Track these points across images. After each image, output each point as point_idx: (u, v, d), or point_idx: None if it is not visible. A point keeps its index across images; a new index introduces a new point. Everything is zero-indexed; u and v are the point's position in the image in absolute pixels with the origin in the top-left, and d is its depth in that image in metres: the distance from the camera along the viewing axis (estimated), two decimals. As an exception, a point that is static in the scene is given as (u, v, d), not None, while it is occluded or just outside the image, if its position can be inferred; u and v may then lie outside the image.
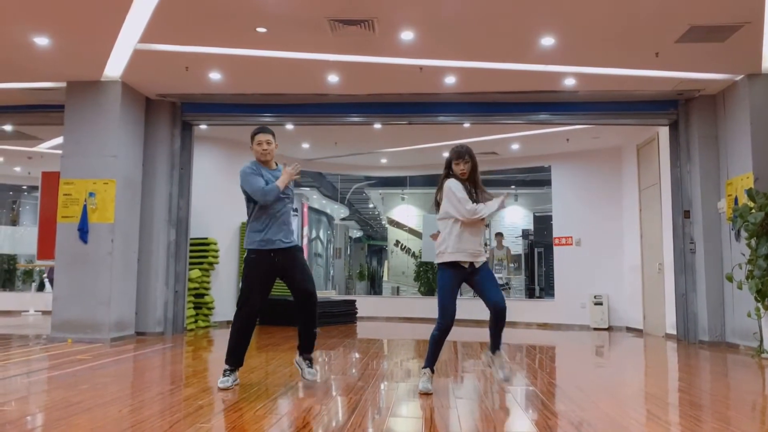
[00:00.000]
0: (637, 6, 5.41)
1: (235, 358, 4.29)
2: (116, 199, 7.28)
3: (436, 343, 4.10)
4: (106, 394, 3.92)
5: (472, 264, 4.07)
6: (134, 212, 7.76)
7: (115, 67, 7.01)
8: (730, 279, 6.70)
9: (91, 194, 7.26)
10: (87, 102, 7.38)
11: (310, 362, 4.39)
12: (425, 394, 3.99)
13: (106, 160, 7.32)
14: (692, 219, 7.73)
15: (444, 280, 4.08)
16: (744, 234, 6.52)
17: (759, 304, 6.25)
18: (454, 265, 4.07)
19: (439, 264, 4.12)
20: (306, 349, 4.41)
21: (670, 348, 7.34)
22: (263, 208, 4.29)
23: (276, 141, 4.46)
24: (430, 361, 4.13)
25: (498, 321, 4.13)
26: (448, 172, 4.23)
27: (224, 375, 4.23)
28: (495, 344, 4.23)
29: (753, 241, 6.35)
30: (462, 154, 4.15)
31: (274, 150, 4.44)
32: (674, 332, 8.00)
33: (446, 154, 12.65)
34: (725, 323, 7.32)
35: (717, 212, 7.47)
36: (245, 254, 4.36)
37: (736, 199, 6.98)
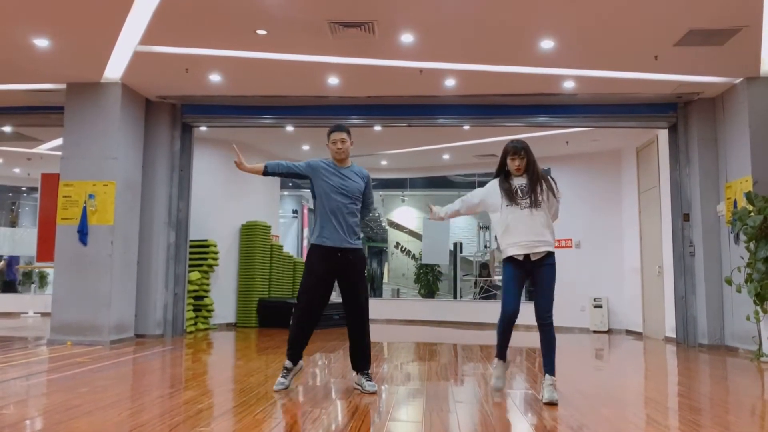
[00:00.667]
0: (636, 9, 5.42)
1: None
2: (116, 201, 7.28)
3: (499, 333, 4.14)
4: (106, 397, 3.92)
5: (528, 257, 3.98)
6: (134, 214, 7.76)
7: (115, 69, 7.01)
8: (729, 282, 6.71)
9: (90, 196, 7.26)
10: (87, 103, 7.39)
11: (369, 376, 4.28)
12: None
13: (105, 162, 7.32)
14: (691, 222, 7.73)
15: (503, 275, 4.12)
16: (743, 237, 6.53)
17: (758, 308, 6.26)
18: (511, 260, 4.06)
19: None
20: (362, 367, 4.29)
21: (670, 351, 7.34)
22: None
23: (351, 139, 4.39)
24: (498, 351, 4.18)
25: (543, 336, 4.01)
26: (501, 168, 4.18)
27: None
28: (546, 365, 4.00)
29: (752, 245, 6.35)
30: (518, 149, 4.08)
31: (349, 149, 4.36)
32: (674, 335, 8.00)
33: (447, 156, 12.53)
34: (724, 326, 7.32)
35: (716, 215, 7.48)
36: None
37: (735, 202, 6.99)
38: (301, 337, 4.33)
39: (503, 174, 4.16)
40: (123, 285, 7.44)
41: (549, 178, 4.16)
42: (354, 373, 4.36)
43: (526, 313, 4.12)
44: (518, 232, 3.98)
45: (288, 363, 4.32)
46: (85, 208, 7.23)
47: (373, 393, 4.16)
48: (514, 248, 3.99)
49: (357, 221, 4.35)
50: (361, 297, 4.28)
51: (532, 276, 4.02)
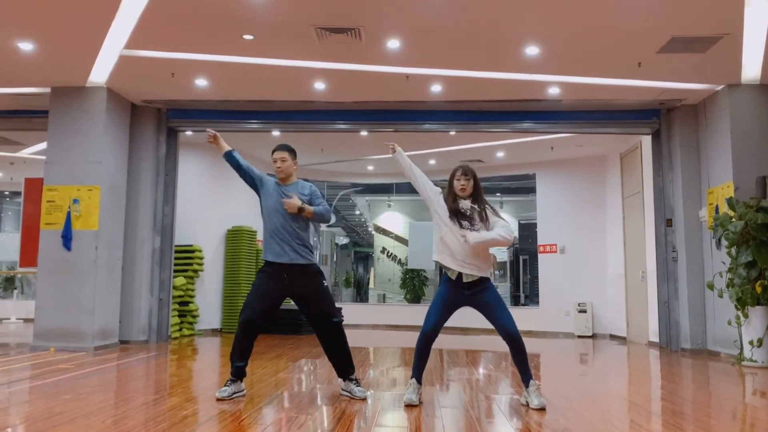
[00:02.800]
0: (620, 17, 5.49)
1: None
2: (101, 206, 7.22)
3: (416, 353, 4.09)
4: (90, 404, 3.88)
5: (460, 278, 3.97)
6: (119, 219, 7.71)
7: (100, 73, 6.97)
8: (711, 287, 6.79)
9: (75, 201, 7.20)
10: (71, 108, 7.33)
11: (357, 381, 4.28)
12: (409, 406, 3.94)
13: (90, 167, 7.26)
14: (674, 227, 7.82)
15: (437, 292, 4.14)
16: (724, 243, 6.61)
17: (739, 312, 6.34)
18: (447, 279, 4.04)
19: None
20: (346, 373, 4.28)
21: (653, 356, 7.41)
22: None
23: (294, 158, 4.48)
24: (415, 371, 4.09)
25: (515, 351, 3.99)
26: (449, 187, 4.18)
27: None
28: (525, 375, 4.00)
29: (733, 250, 6.44)
30: (466, 171, 4.10)
31: (290, 168, 4.44)
32: (657, 340, 8.07)
33: (433, 162, 12.64)
34: (707, 331, 7.41)
35: (699, 221, 7.57)
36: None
37: (717, 208, 7.08)
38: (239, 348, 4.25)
39: (451, 194, 4.14)
40: (107, 291, 7.37)
41: (490, 206, 4.18)
42: (341, 380, 4.34)
43: (515, 317, 4.07)
44: (455, 247, 3.96)
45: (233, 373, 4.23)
46: (69, 213, 7.17)
47: (363, 399, 4.15)
48: (449, 259, 3.98)
49: (302, 238, 4.30)
50: (324, 308, 4.27)
51: (475, 304, 4.01)
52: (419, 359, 4.07)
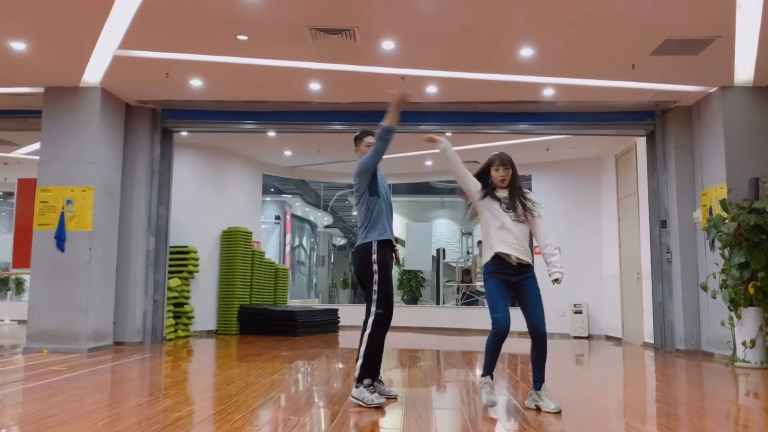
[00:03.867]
0: (613, 19, 5.50)
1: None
2: (95, 207, 7.20)
3: (489, 350, 3.99)
4: (82, 406, 3.87)
5: (514, 263, 3.92)
6: (113, 220, 7.68)
7: (94, 73, 6.95)
8: (704, 288, 6.81)
9: (68, 201, 7.18)
10: (65, 108, 7.31)
11: (380, 382, 4.25)
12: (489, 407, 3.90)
13: (84, 167, 7.24)
14: (669, 229, 7.84)
15: (488, 285, 4.02)
16: (718, 244, 6.63)
17: (732, 314, 6.36)
18: (495, 268, 3.97)
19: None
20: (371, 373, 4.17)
21: (648, 357, 7.42)
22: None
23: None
24: (489, 369, 3.99)
25: (537, 348, 3.95)
26: (480, 175, 4.12)
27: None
28: (540, 376, 3.96)
29: (726, 251, 6.45)
30: (505, 161, 4.04)
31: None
32: (652, 341, 8.09)
33: (429, 163, 12.59)
34: (701, 332, 7.43)
35: (693, 222, 7.59)
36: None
37: (710, 210, 7.10)
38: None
39: (489, 186, 4.07)
40: (101, 292, 7.35)
41: (531, 196, 4.10)
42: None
43: (512, 318, 4.01)
44: (502, 235, 3.94)
45: (368, 380, 4.10)
46: (62, 214, 7.15)
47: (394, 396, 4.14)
48: (505, 246, 3.91)
49: (361, 218, 4.25)
50: (366, 295, 4.19)
51: (517, 290, 3.96)
52: (492, 357, 3.96)
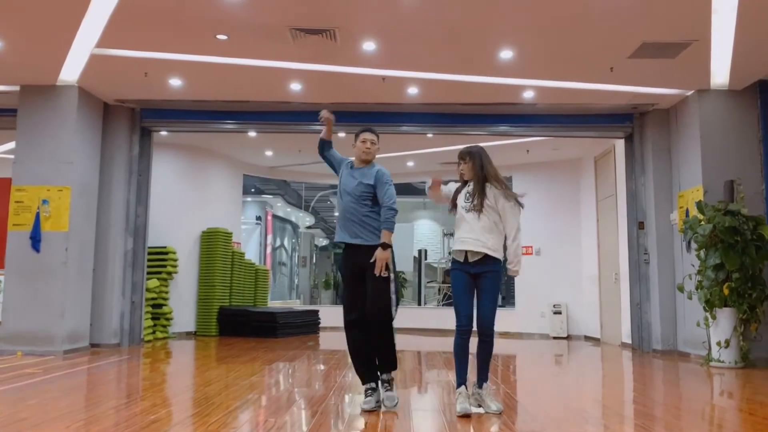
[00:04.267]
0: (592, 22, 5.55)
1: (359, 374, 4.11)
2: (71, 207, 7.10)
3: (457, 354, 3.90)
4: (56, 408, 3.81)
5: (467, 258, 3.89)
6: (90, 220, 7.58)
7: (71, 72, 6.85)
8: (681, 289, 6.90)
9: (44, 201, 7.07)
10: (41, 106, 7.20)
11: (389, 384, 4.03)
12: (465, 416, 3.71)
13: (60, 167, 7.14)
14: (646, 230, 7.93)
15: (452, 283, 4.00)
16: (694, 245, 6.72)
17: (707, 314, 6.44)
18: (455, 263, 3.97)
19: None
20: (380, 369, 4.06)
21: (626, 357, 7.50)
22: None
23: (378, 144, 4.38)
24: (460, 377, 3.87)
25: (482, 348, 3.90)
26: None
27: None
28: (483, 375, 3.93)
29: (702, 253, 6.54)
30: (462, 154, 4.08)
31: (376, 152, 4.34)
32: (630, 341, 8.17)
33: (411, 164, 12.56)
34: (677, 332, 7.52)
35: (670, 224, 7.69)
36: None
37: (687, 211, 7.19)
38: (351, 351, 4.14)
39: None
40: (78, 293, 7.25)
41: (504, 185, 4.03)
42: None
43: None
44: (461, 230, 3.95)
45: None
46: (38, 214, 7.04)
47: (391, 406, 3.95)
48: (457, 243, 3.95)
49: (361, 219, 4.10)
50: (367, 294, 4.02)
51: (476, 283, 3.91)
52: (461, 363, 3.86)
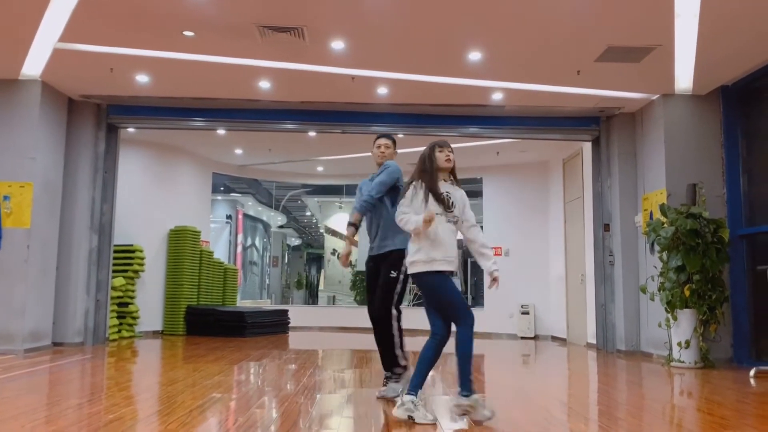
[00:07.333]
0: (558, 25, 5.63)
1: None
2: (33, 203, 6.95)
3: (428, 359, 3.76)
4: (13, 407, 3.72)
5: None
6: (53, 217, 7.43)
7: (33, 66, 6.71)
8: (644, 290, 7.03)
9: (5, 197, 6.91)
10: (2, 101, 7.03)
11: (394, 377, 4.23)
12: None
13: (22, 162, 6.98)
14: (612, 232, 8.06)
15: (448, 286, 3.65)
16: (657, 247, 6.85)
17: (669, 315, 6.57)
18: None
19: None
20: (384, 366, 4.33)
21: (590, 357, 7.61)
22: None
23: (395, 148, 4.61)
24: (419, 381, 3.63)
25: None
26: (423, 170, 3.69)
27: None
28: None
29: (665, 255, 6.67)
30: (447, 143, 3.74)
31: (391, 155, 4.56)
32: (595, 341, 8.30)
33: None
34: (640, 333, 7.65)
35: (634, 226, 7.83)
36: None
37: (651, 214, 7.34)
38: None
39: (428, 176, 3.66)
40: (39, 291, 7.10)
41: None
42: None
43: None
44: (447, 245, 3.57)
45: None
46: (-2, 211, 6.87)
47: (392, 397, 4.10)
48: (444, 264, 3.58)
49: (382, 223, 4.33)
50: (374, 299, 4.28)
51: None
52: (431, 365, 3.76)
